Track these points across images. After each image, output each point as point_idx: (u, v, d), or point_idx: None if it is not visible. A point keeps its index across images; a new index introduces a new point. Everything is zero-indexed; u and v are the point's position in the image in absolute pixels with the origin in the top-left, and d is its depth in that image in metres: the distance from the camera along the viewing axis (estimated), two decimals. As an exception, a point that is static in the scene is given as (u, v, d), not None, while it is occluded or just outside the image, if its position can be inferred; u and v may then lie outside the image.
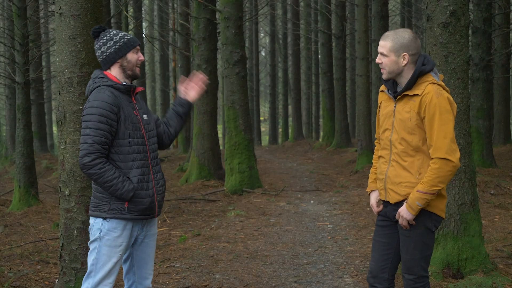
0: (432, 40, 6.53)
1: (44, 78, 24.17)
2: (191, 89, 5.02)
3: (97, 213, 4.52)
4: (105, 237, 4.49)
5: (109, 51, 4.55)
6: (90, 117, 4.37)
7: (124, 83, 4.56)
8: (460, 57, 6.49)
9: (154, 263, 7.90)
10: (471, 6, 14.73)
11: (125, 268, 4.81)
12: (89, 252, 4.59)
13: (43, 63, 28.71)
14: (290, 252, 8.29)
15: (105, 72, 4.59)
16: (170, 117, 4.99)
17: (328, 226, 9.94)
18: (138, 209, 4.51)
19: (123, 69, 4.59)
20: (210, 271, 7.44)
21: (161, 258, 8.18)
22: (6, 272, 7.14)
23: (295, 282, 6.96)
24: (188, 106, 5.01)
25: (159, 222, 10.56)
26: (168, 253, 8.45)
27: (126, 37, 4.57)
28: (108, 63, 4.59)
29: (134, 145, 4.50)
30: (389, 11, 27.00)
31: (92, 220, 4.57)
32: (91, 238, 4.56)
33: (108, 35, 4.57)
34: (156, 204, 4.64)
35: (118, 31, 4.61)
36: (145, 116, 4.69)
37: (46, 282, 6.86)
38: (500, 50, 16.76)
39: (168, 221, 10.63)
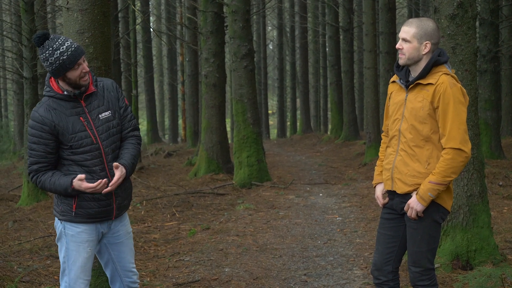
0: (440, 32, 6.51)
1: (52, 74, 24.16)
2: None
3: (55, 212, 4.56)
4: (69, 233, 4.48)
5: (48, 69, 4.34)
6: (28, 137, 4.39)
7: (65, 93, 4.39)
8: (468, 48, 6.48)
9: (164, 257, 7.94)
10: (478, -3, 14.67)
11: (108, 274, 4.77)
12: (58, 249, 4.60)
13: (51, 59, 28.74)
14: (299, 245, 8.30)
15: (50, 80, 4.45)
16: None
17: (337, 218, 9.94)
18: (85, 213, 4.45)
19: (66, 83, 4.38)
20: (219, 265, 7.46)
21: (170, 252, 8.21)
22: (15, 267, 7.17)
23: (305, 275, 6.97)
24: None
25: (168, 216, 10.59)
26: (178, 247, 8.47)
27: (62, 57, 4.26)
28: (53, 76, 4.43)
29: (79, 154, 4.39)
30: (397, 3, 26.95)
31: (56, 218, 4.60)
32: (57, 235, 4.58)
33: (45, 53, 4.30)
34: (115, 206, 4.54)
35: (55, 47, 4.28)
36: (102, 115, 4.50)
37: (55, 277, 6.89)
38: (508, 42, 16.71)
39: (177, 215, 10.65)
